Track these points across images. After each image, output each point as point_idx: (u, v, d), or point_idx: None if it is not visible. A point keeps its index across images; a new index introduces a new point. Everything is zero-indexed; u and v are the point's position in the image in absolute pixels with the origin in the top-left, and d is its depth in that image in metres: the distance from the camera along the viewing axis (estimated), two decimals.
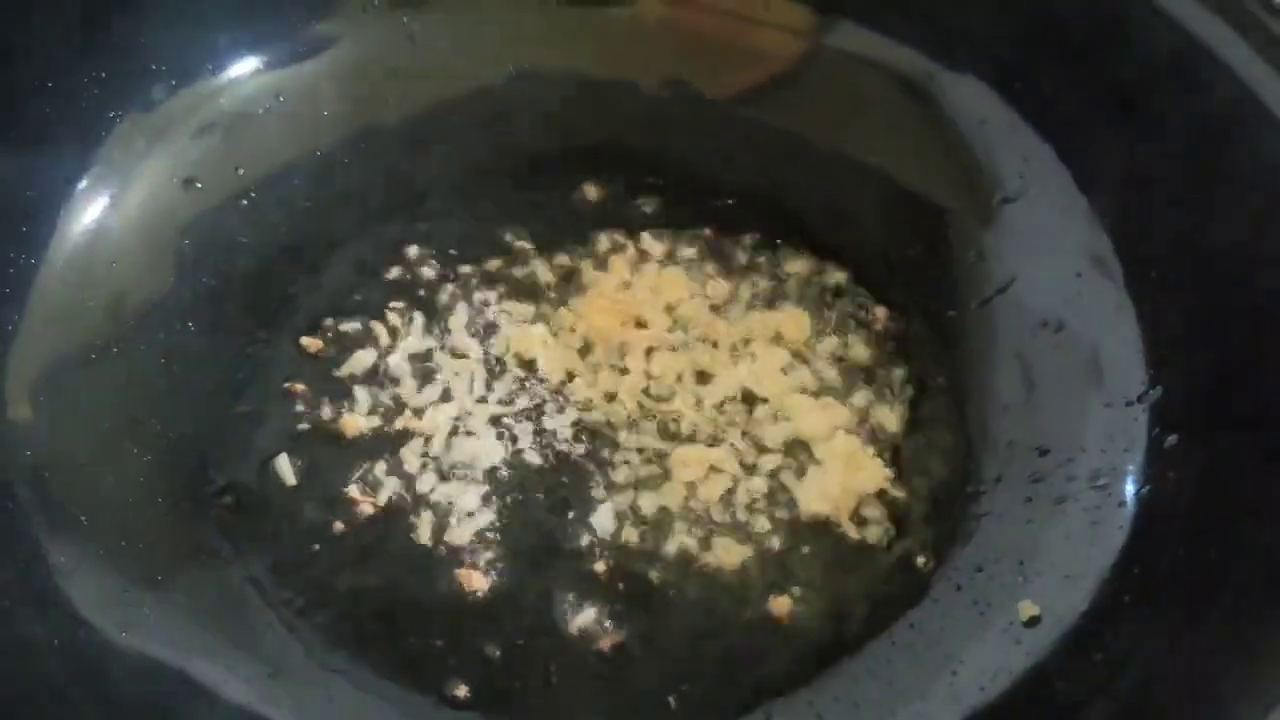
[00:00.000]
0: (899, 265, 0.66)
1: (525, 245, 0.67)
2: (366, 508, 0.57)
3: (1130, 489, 0.54)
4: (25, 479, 0.52)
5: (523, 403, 0.61)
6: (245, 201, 0.66)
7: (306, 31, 0.68)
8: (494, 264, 0.66)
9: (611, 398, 0.61)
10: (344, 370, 0.62)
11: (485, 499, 0.57)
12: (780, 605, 0.54)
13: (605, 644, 0.53)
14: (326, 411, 0.60)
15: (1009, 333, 0.62)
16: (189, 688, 0.49)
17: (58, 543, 0.51)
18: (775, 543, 0.56)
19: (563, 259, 0.67)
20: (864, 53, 0.66)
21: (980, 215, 0.65)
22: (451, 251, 0.67)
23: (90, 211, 0.61)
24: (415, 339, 0.63)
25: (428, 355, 0.63)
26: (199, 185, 0.65)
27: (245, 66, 0.67)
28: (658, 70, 0.69)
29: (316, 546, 0.55)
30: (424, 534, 0.56)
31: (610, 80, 0.70)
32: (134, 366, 0.59)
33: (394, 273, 0.66)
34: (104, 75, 0.62)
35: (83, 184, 0.61)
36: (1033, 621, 0.52)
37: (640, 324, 0.64)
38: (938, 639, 0.53)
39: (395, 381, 0.62)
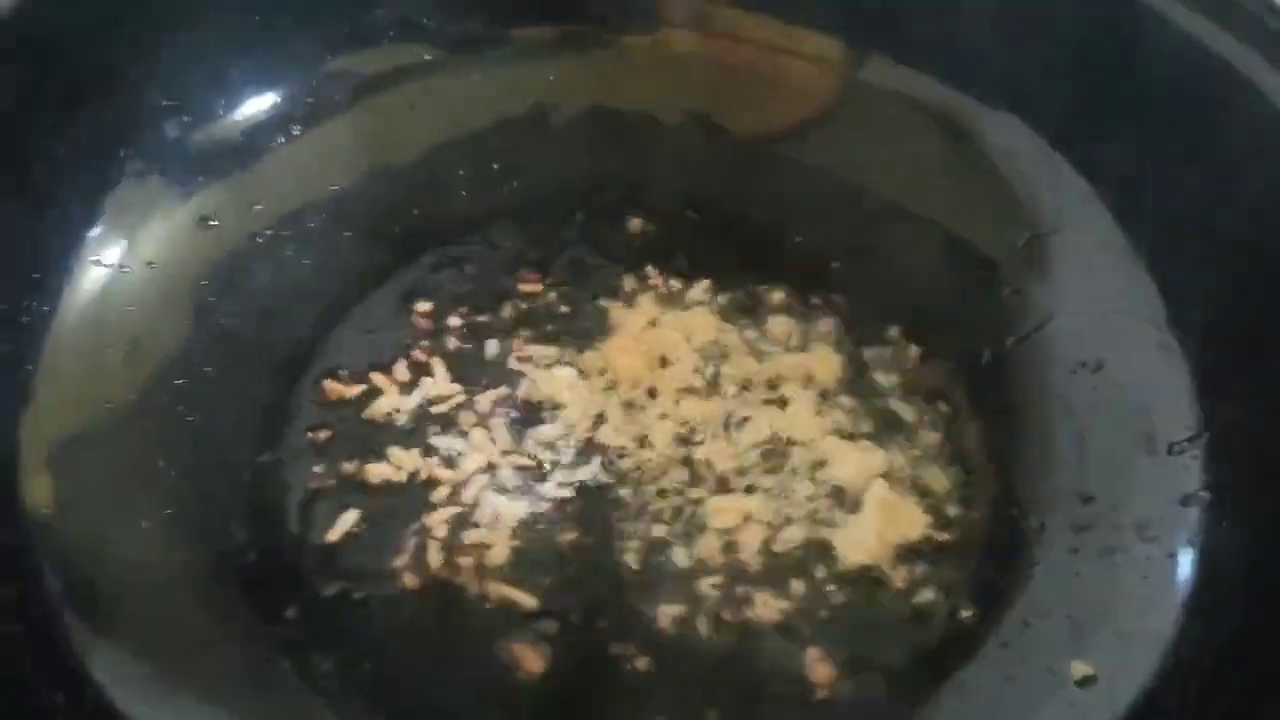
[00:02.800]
0: (932, 304, 0.64)
1: (549, 286, 0.65)
2: (394, 562, 0.55)
3: (1182, 540, 0.53)
4: (48, 556, 0.50)
5: (552, 448, 0.59)
6: (261, 239, 0.64)
7: (321, 66, 0.67)
8: (518, 306, 0.65)
9: (642, 442, 0.59)
10: (367, 416, 0.60)
11: (517, 551, 0.56)
12: (818, 671, 0.52)
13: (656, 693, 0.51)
14: (350, 460, 0.58)
15: (1047, 373, 0.61)
16: None
17: (81, 622, 0.49)
18: (815, 594, 0.55)
19: (588, 299, 0.65)
20: (897, 88, 0.65)
21: (1015, 252, 0.63)
22: (474, 292, 0.65)
23: (105, 255, 0.60)
24: (440, 383, 0.61)
25: (453, 400, 0.61)
26: (213, 223, 0.64)
27: (259, 103, 0.66)
28: (685, 105, 0.68)
29: (345, 604, 0.53)
30: (459, 587, 0.54)
31: (635, 114, 0.68)
32: (152, 416, 0.57)
33: (416, 314, 0.64)
34: (115, 114, 0.61)
35: (97, 227, 0.60)
36: (1086, 681, 0.50)
37: (668, 366, 0.62)
38: (985, 700, 0.51)
39: (420, 428, 0.60)
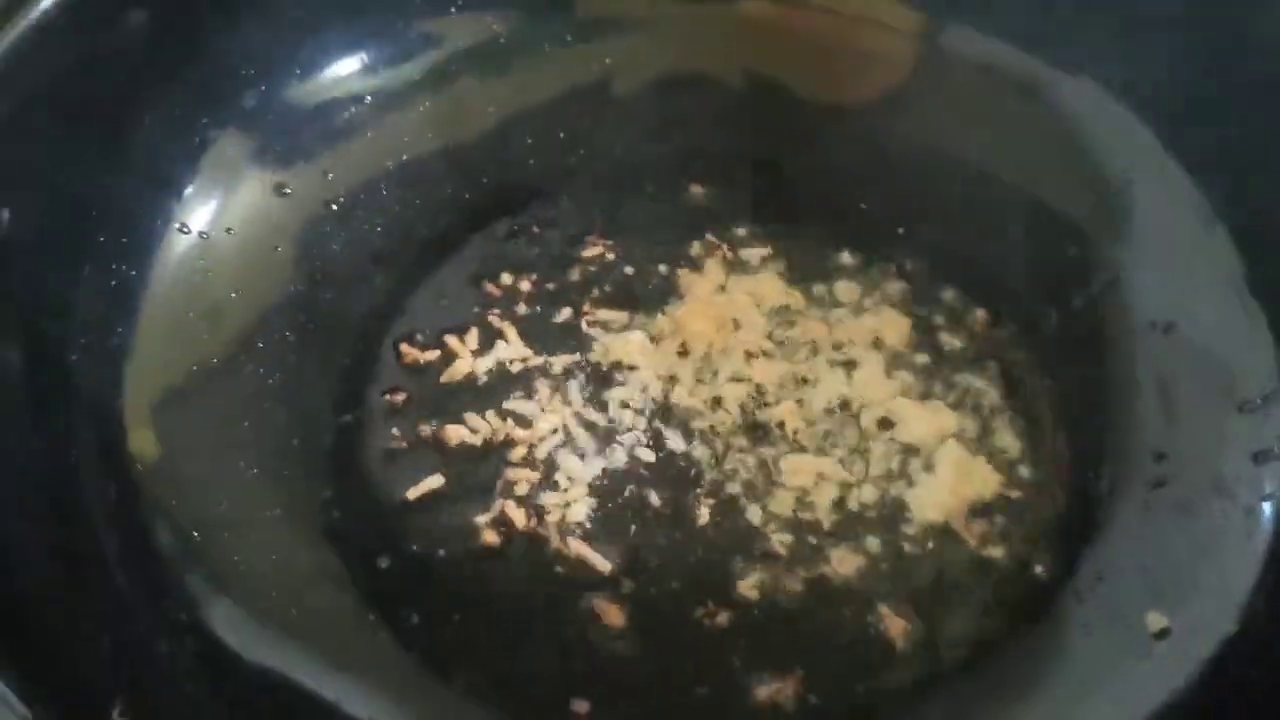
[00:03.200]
0: (999, 266, 0.65)
1: (620, 251, 0.66)
2: (475, 519, 0.56)
3: (1259, 495, 0.53)
4: (151, 508, 0.52)
5: (626, 410, 0.60)
6: (335, 207, 0.65)
7: (394, 37, 0.68)
8: (589, 271, 0.65)
9: (716, 404, 0.60)
10: (444, 379, 0.61)
11: (594, 510, 0.57)
12: (895, 626, 0.53)
13: (726, 656, 0.52)
14: (428, 421, 0.59)
15: (1115, 334, 0.61)
16: (313, 704, 0.48)
17: (176, 556, 0.51)
18: (890, 551, 0.55)
19: (657, 265, 0.66)
20: (973, 55, 0.65)
21: (1085, 214, 0.63)
22: (544, 259, 0.66)
23: (188, 222, 0.61)
24: (514, 347, 0.62)
25: (527, 364, 0.62)
26: (288, 191, 0.65)
27: (333, 73, 0.67)
28: (759, 72, 0.68)
29: (430, 560, 0.55)
30: (538, 546, 0.55)
31: (709, 82, 0.68)
32: (236, 378, 0.58)
33: (489, 280, 0.65)
34: (196, 84, 0.61)
35: (180, 195, 0.61)
36: (1163, 634, 0.50)
37: (738, 329, 0.63)
38: (1062, 652, 0.52)
39: (495, 390, 0.61)
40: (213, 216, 0.62)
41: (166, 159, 0.61)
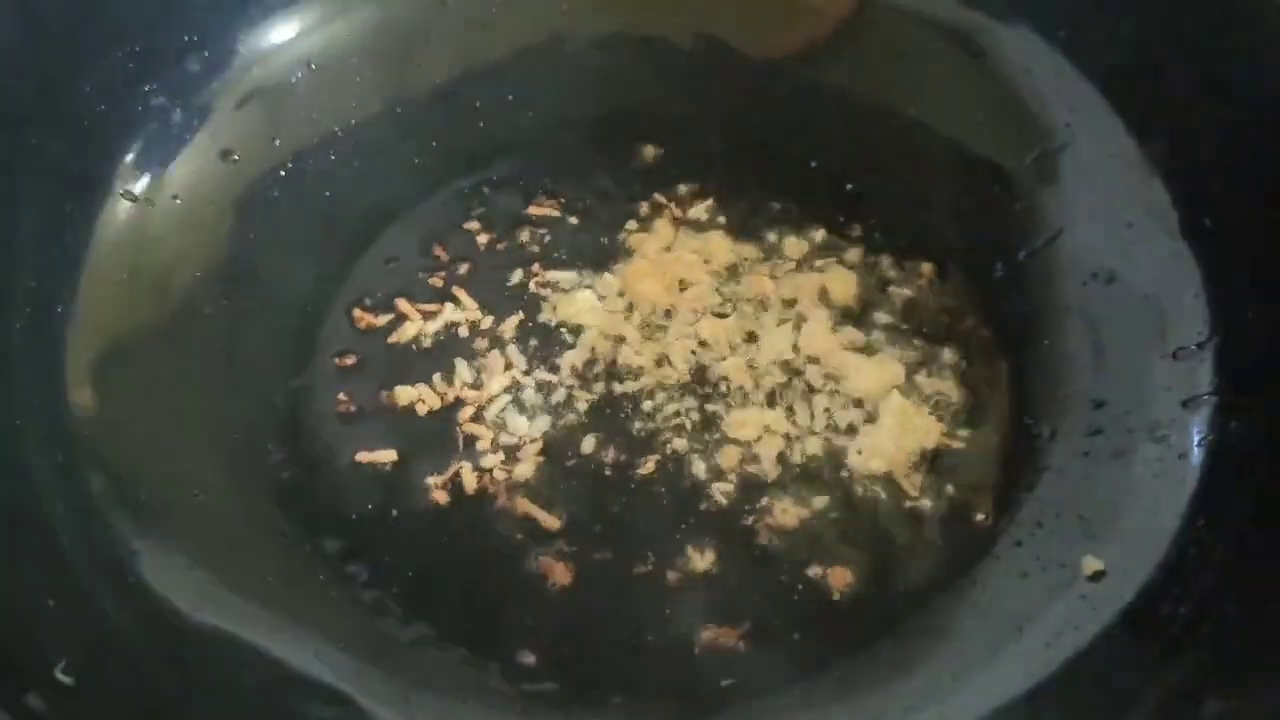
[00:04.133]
0: (945, 220, 0.65)
1: (566, 212, 0.66)
2: (425, 479, 0.57)
3: (1192, 440, 0.54)
4: (96, 468, 0.52)
5: (573, 369, 0.61)
6: (283, 173, 0.65)
7: None
8: (538, 232, 0.66)
9: (662, 362, 0.61)
10: (393, 342, 0.61)
11: (541, 468, 0.57)
12: (838, 576, 0.54)
13: (671, 604, 0.53)
14: (379, 384, 0.60)
15: (1058, 286, 0.62)
16: (261, 659, 0.49)
17: (127, 519, 0.51)
18: (833, 502, 0.56)
19: (605, 225, 0.66)
20: (909, 5, 0.65)
21: (1027, 167, 0.64)
22: (493, 221, 0.66)
23: (133, 188, 0.61)
24: (463, 309, 0.63)
25: (476, 325, 0.62)
26: (236, 158, 0.65)
27: (277, 37, 0.66)
28: (698, 28, 0.68)
29: (379, 519, 0.55)
30: (486, 504, 0.56)
31: (649, 40, 0.69)
32: (185, 343, 0.59)
33: (438, 243, 0.65)
34: (138, 49, 0.61)
35: (124, 162, 0.61)
36: (1098, 576, 0.52)
37: (685, 287, 0.64)
38: (1001, 596, 0.53)
39: (445, 352, 0.61)
40: (157, 184, 0.62)
41: (107, 126, 0.60)
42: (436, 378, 0.60)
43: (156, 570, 0.50)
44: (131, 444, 0.54)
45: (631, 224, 0.66)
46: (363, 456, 0.57)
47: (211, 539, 0.52)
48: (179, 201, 0.62)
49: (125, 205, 0.61)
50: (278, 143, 0.66)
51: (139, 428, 0.55)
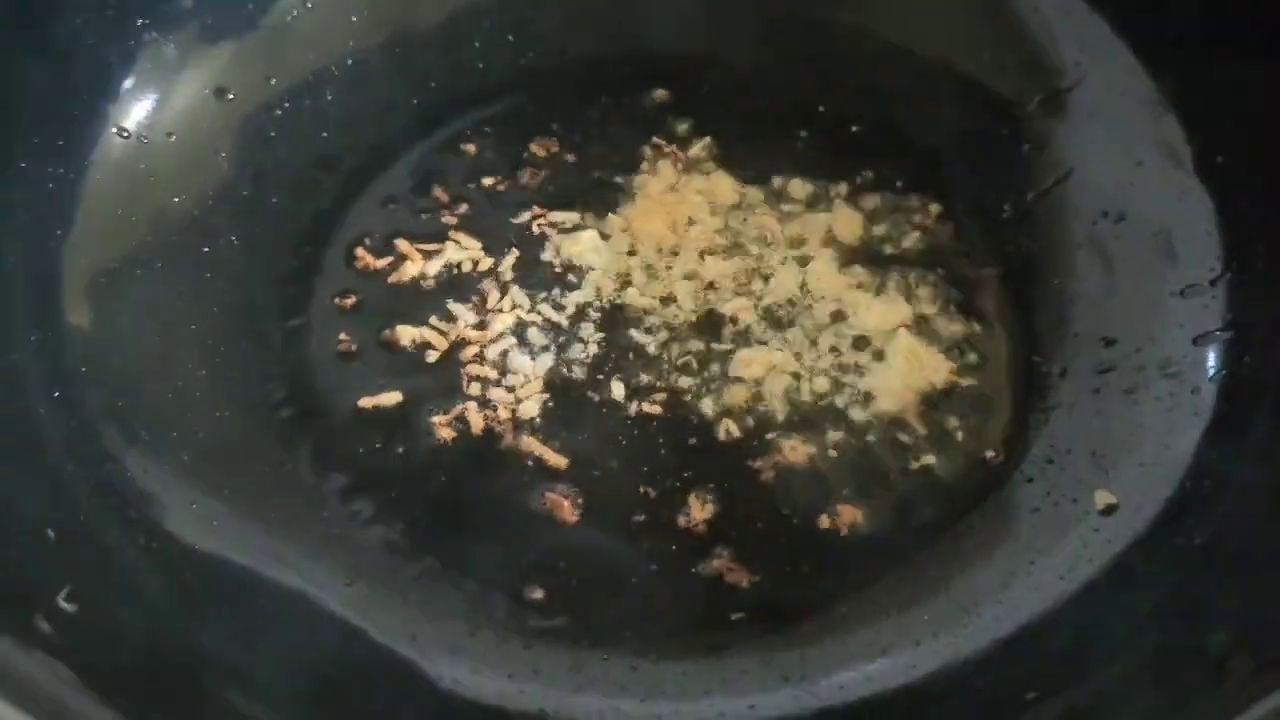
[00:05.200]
0: (953, 161, 0.65)
1: (571, 153, 0.65)
2: (430, 418, 0.56)
3: (1204, 375, 0.54)
4: (92, 390, 0.51)
5: (578, 310, 0.60)
6: (279, 112, 0.64)
7: None
8: (540, 172, 0.65)
9: (668, 302, 0.60)
10: (394, 282, 0.60)
11: (547, 407, 0.56)
12: (847, 513, 0.53)
13: (683, 522, 0.53)
14: (378, 324, 0.59)
15: (1067, 225, 0.61)
16: (268, 588, 0.48)
17: (126, 453, 0.50)
18: (841, 440, 0.56)
19: (611, 165, 0.65)
20: None
21: (1036, 106, 0.63)
22: (493, 161, 0.65)
23: (127, 124, 0.59)
24: (464, 249, 0.62)
25: (477, 265, 0.61)
26: (231, 96, 0.63)
27: None
28: None
29: (383, 456, 0.55)
30: (491, 442, 0.55)
31: None
32: (181, 280, 0.58)
33: (438, 183, 0.64)
34: None
35: (117, 97, 0.59)
36: (1110, 510, 0.51)
37: (690, 227, 0.63)
38: (1012, 532, 0.52)
39: (446, 292, 0.60)
40: (151, 120, 0.61)
41: (101, 62, 0.59)
42: (438, 318, 0.59)
43: (156, 495, 0.49)
44: (129, 362, 0.53)
45: (635, 166, 0.65)
46: (366, 402, 0.56)
47: (213, 468, 0.51)
48: (174, 139, 0.61)
49: (119, 141, 0.59)
50: (273, 81, 0.64)
51: (136, 348, 0.54)
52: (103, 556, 0.46)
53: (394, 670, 0.47)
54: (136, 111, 0.60)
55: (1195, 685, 0.42)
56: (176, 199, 0.60)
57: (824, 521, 0.53)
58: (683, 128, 0.66)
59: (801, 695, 0.47)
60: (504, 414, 0.56)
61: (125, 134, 0.59)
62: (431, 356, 0.58)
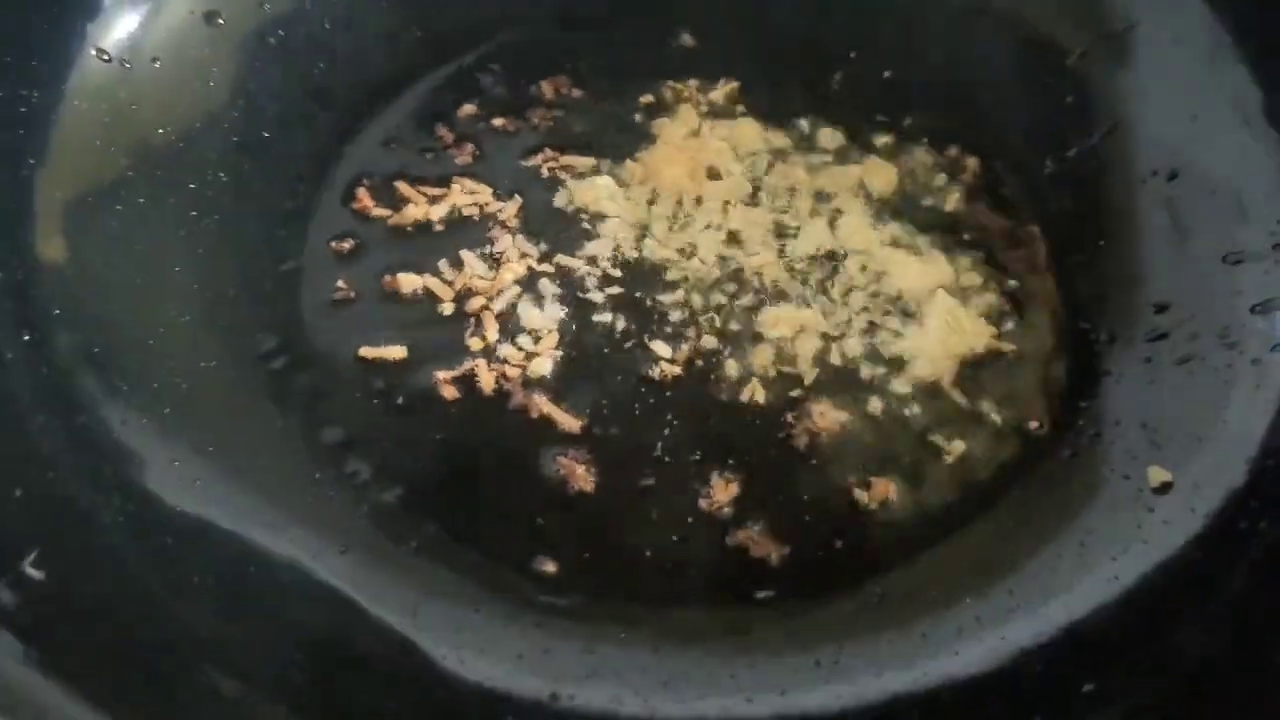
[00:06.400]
0: (992, 111, 0.61)
1: (587, 93, 0.61)
2: (434, 373, 0.52)
3: (1266, 346, 0.50)
4: (65, 329, 0.47)
5: (592, 260, 0.55)
6: (273, 40, 0.59)
7: None
8: (553, 113, 0.60)
9: (690, 254, 0.56)
10: (395, 226, 0.56)
11: (560, 365, 0.52)
12: (880, 484, 0.49)
13: (706, 505, 0.49)
14: (379, 270, 0.55)
15: (1114, 183, 0.57)
16: (254, 556, 0.44)
17: (103, 404, 0.46)
18: (875, 407, 0.52)
19: (629, 107, 0.61)
20: None
21: (1085, 52, 0.59)
22: (504, 99, 0.61)
23: (107, 47, 0.54)
24: (471, 193, 0.57)
25: (484, 210, 0.57)
26: (221, 21, 0.58)
27: None
28: None
29: (382, 414, 0.50)
30: (500, 401, 0.51)
31: None
32: (164, 218, 0.53)
33: (443, 122, 0.60)
34: None
35: (98, 16, 0.54)
36: (1165, 488, 0.48)
37: (714, 176, 0.59)
38: (1058, 510, 0.49)
39: (451, 238, 0.56)
40: (134, 43, 0.56)
41: None
42: (443, 265, 0.55)
43: (135, 452, 0.45)
44: (107, 303, 0.49)
45: (655, 108, 0.61)
46: (367, 352, 0.52)
47: (197, 423, 0.47)
48: (158, 65, 0.56)
49: (99, 65, 0.54)
50: (266, 7, 0.60)
51: (115, 288, 0.49)
52: (75, 518, 0.41)
53: (390, 649, 0.43)
54: (118, 32, 0.55)
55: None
56: (161, 130, 0.55)
57: (857, 494, 0.49)
58: (707, 69, 0.62)
59: (834, 683, 0.43)
60: (513, 371, 0.52)
61: (106, 57, 0.55)
62: (435, 307, 0.54)
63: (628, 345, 0.53)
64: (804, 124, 0.61)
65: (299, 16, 0.60)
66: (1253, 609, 0.41)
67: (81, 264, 0.48)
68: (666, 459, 0.50)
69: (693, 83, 0.62)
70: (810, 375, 0.53)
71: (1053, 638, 0.44)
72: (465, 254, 0.55)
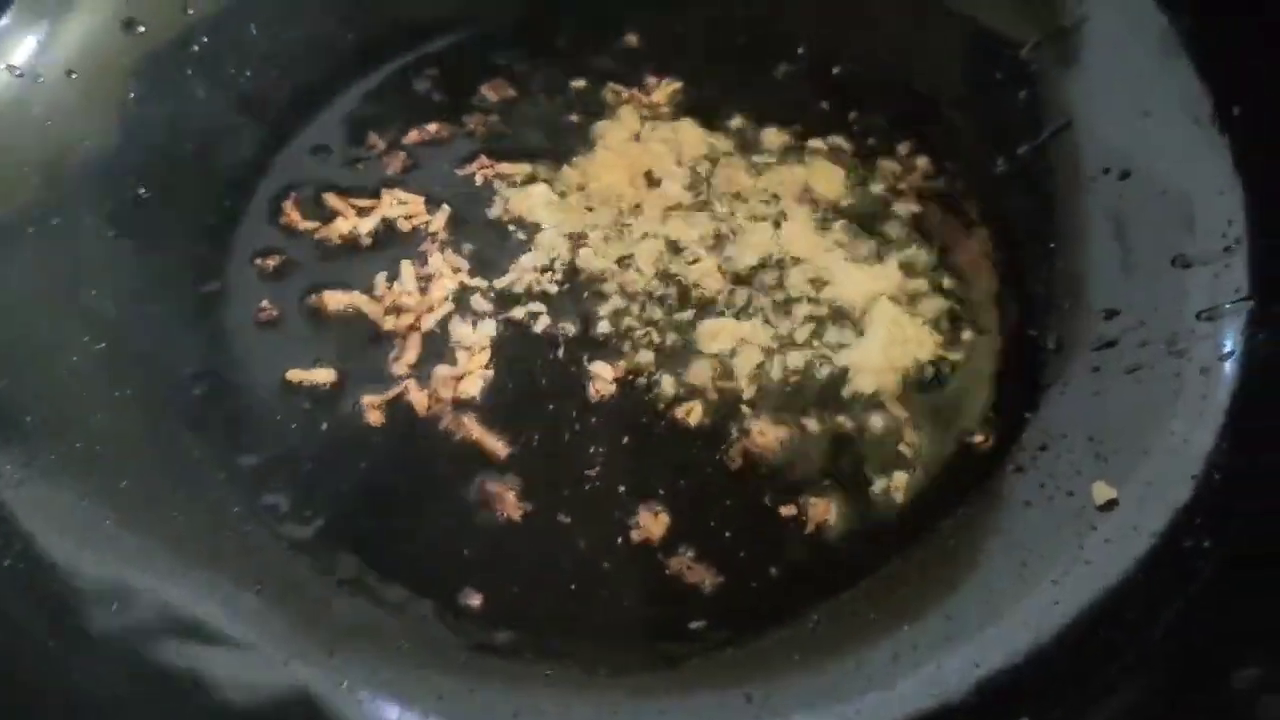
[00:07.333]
0: (941, 109, 0.59)
1: (519, 95, 0.59)
2: (359, 397, 0.50)
3: (1215, 354, 0.48)
4: None
5: (527, 273, 0.54)
6: (196, 48, 0.57)
7: None
8: (487, 118, 0.59)
9: (627, 264, 0.54)
10: (322, 239, 0.54)
11: (489, 385, 0.51)
12: (820, 506, 0.48)
13: (637, 537, 0.47)
14: (305, 288, 0.53)
15: (1065, 182, 0.56)
16: (165, 613, 0.42)
17: (13, 477, 0.44)
18: (816, 423, 0.50)
19: (563, 110, 0.59)
20: None
21: (1035, 47, 0.57)
22: (437, 104, 0.59)
23: (16, 60, 0.52)
24: (402, 204, 0.55)
25: (415, 222, 0.55)
26: (141, 28, 0.56)
27: None
28: None
29: (304, 441, 0.49)
30: (427, 424, 0.50)
31: None
32: (78, 237, 0.51)
33: (374, 130, 0.58)
34: None
35: (3, 25, 0.52)
36: (1109, 505, 0.46)
37: (654, 182, 0.57)
38: (1000, 529, 0.47)
39: (381, 253, 0.54)
40: (45, 55, 0.54)
41: None
42: (376, 279, 0.53)
43: (32, 502, 0.43)
44: (11, 329, 0.47)
45: (593, 111, 0.59)
46: (295, 375, 0.51)
47: (103, 465, 0.45)
48: (73, 76, 0.54)
49: (8, 80, 0.52)
50: (190, 11, 0.57)
51: (21, 334, 0.47)
52: None
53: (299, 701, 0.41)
54: (25, 44, 0.53)
55: None
56: (75, 144, 0.53)
57: (794, 516, 0.48)
58: (647, 69, 0.60)
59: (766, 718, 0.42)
60: (443, 392, 0.50)
61: (16, 71, 0.53)
62: (362, 326, 0.52)
63: (561, 363, 0.51)
64: (748, 124, 0.59)
65: (223, 22, 0.58)
66: (1197, 636, 0.40)
67: None
68: (598, 484, 0.48)
69: (633, 82, 0.60)
70: (750, 390, 0.51)
71: (991, 667, 0.42)
72: (394, 269, 0.54)
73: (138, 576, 0.43)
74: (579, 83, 0.60)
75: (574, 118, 0.59)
